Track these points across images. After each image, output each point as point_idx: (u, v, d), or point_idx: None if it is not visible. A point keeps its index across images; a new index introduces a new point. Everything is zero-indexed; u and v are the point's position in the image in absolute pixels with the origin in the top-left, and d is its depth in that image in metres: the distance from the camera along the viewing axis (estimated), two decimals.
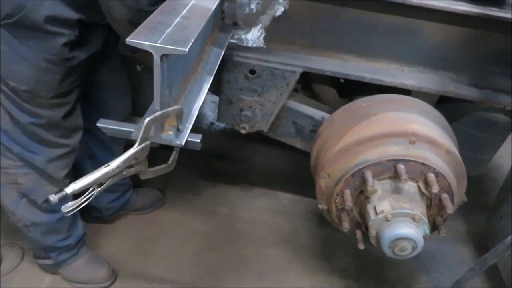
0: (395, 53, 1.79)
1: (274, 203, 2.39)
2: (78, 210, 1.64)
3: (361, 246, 1.60)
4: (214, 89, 2.02)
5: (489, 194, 2.53)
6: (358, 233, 1.62)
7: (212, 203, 2.32)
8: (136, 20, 1.26)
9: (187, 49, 0.92)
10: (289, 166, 2.66)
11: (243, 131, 1.96)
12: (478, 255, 2.28)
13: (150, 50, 0.91)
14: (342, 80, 2.13)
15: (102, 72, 1.67)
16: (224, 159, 2.65)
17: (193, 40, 0.97)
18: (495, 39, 1.71)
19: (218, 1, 1.29)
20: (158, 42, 0.92)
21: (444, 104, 1.92)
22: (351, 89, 2.06)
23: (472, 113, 1.86)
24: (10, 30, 1.30)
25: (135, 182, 2.11)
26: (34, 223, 1.67)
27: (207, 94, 2.24)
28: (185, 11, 1.13)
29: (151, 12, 1.26)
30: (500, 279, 1.89)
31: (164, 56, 0.94)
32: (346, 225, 1.58)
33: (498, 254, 1.18)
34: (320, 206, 1.70)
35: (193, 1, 1.21)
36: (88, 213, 2.00)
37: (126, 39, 0.91)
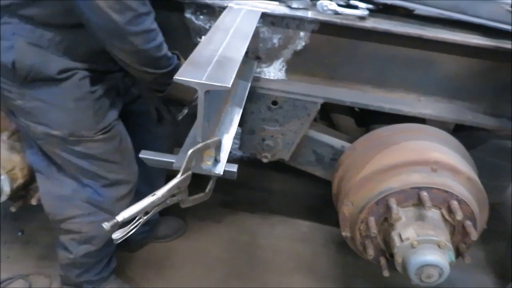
0: (412, 84, 1.86)
1: (293, 231, 2.41)
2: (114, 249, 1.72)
3: (386, 273, 1.62)
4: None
5: (507, 221, 2.54)
6: (383, 260, 1.64)
7: (232, 230, 2.35)
8: (145, 61, 1.31)
9: (229, 85, 0.99)
10: (306, 193, 2.69)
11: (265, 160, 2.02)
12: (498, 283, 2.27)
13: (196, 87, 0.99)
14: (357, 109, 2.20)
15: (138, 102, 1.73)
16: (242, 187, 2.69)
17: (233, 76, 1.04)
18: (508, 69, 1.78)
19: (250, 37, 1.37)
20: (203, 79, 0.99)
21: (461, 133, 1.98)
22: (368, 118, 2.13)
23: (488, 141, 1.91)
24: (31, 87, 1.34)
25: None
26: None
27: None
28: (221, 49, 1.20)
29: (154, 48, 1.29)
30: None
31: (206, 92, 1.01)
32: (370, 252, 1.60)
33: None
34: (343, 234, 1.73)
35: (227, 38, 1.29)
36: None
37: (174, 77, 0.98)
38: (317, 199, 2.61)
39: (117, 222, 0.94)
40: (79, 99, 1.40)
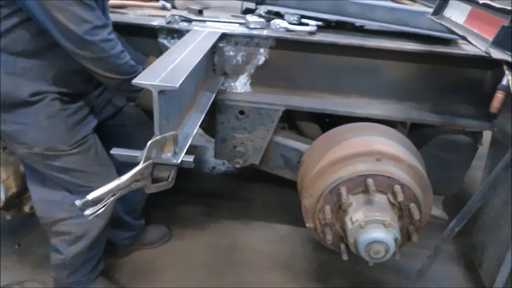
0: (364, 89, 2.08)
1: (271, 234, 2.58)
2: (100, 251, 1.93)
3: (344, 257, 1.78)
4: (211, 132, 2.32)
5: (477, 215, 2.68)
6: (342, 246, 1.81)
7: (214, 236, 2.51)
8: (107, 67, 1.51)
9: (177, 86, 1.21)
10: (284, 200, 2.87)
11: (237, 165, 2.22)
12: (468, 274, 2.41)
13: (150, 88, 1.20)
14: (327, 120, 2.41)
15: (115, 118, 1.94)
16: (225, 198, 2.87)
17: (182, 79, 1.25)
18: (447, 71, 2.00)
19: (206, 51, 1.60)
20: (156, 82, 1.21)
21: (415, 131, 2.18)
22: (335, 125, 2.33)
23: (437, 136, 2.11)
24: (9, 112, 1.51)
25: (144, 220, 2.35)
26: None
27: (208, 142, 2.41)
28: (178, 60, 1.43)
29: (114, 56, 1.48)
30: None
31: (161, 92, 1.23)
32: (329, 238, 1.77)
33: (445, 239, 1.38)
34: (307, 225, 1.90)
35: (185, 52, 1.52)
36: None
37: (133, 81, 1.21)
38: (294, 205, 2.77)
39: (88, 200, 1.14)
40: (51, 117, 1.57)
